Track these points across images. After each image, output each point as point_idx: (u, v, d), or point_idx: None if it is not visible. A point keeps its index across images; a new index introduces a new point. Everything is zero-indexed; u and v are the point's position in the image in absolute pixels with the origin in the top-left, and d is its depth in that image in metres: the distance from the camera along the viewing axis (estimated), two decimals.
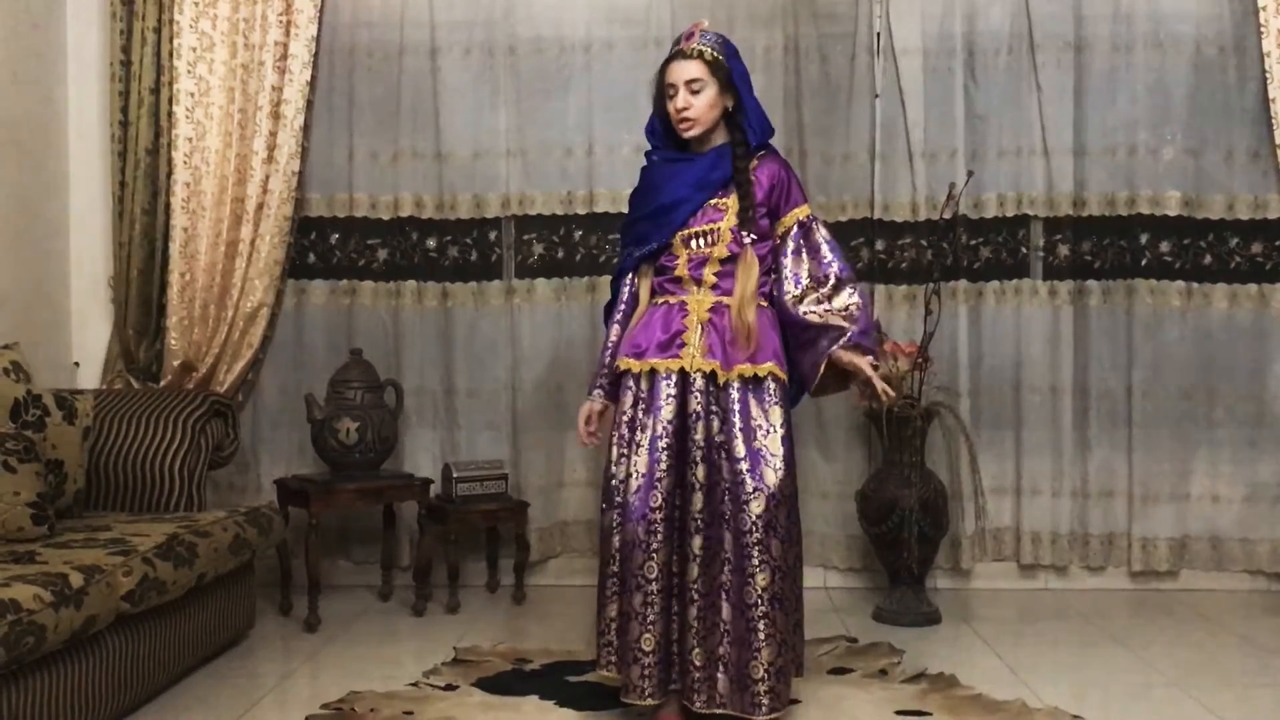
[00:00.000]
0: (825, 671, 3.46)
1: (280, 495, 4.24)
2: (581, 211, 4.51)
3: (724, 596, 2.83)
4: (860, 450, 4.51)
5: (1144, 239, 4.43)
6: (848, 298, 3.04)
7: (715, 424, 2.90)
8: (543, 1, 4.50)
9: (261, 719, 3.14)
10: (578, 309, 4.53)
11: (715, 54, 2.99)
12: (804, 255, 3.06)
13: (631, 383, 3.00)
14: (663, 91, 3.04)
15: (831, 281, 3.04)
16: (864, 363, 2.99)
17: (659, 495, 2.89)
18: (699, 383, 2.93)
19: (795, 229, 3.06)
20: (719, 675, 2.83)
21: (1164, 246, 4.43)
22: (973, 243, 4.48)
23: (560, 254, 4.53)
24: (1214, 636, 3.91)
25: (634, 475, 2.91)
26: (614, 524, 2.93)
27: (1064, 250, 4.46)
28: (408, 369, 4.54)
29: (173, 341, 4.35)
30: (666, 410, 2.93)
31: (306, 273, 4.57)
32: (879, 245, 4.47)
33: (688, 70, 2.98)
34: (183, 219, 4.35)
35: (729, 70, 3.00)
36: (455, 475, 4.29)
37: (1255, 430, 4.44)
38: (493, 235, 4.56)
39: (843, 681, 3.39)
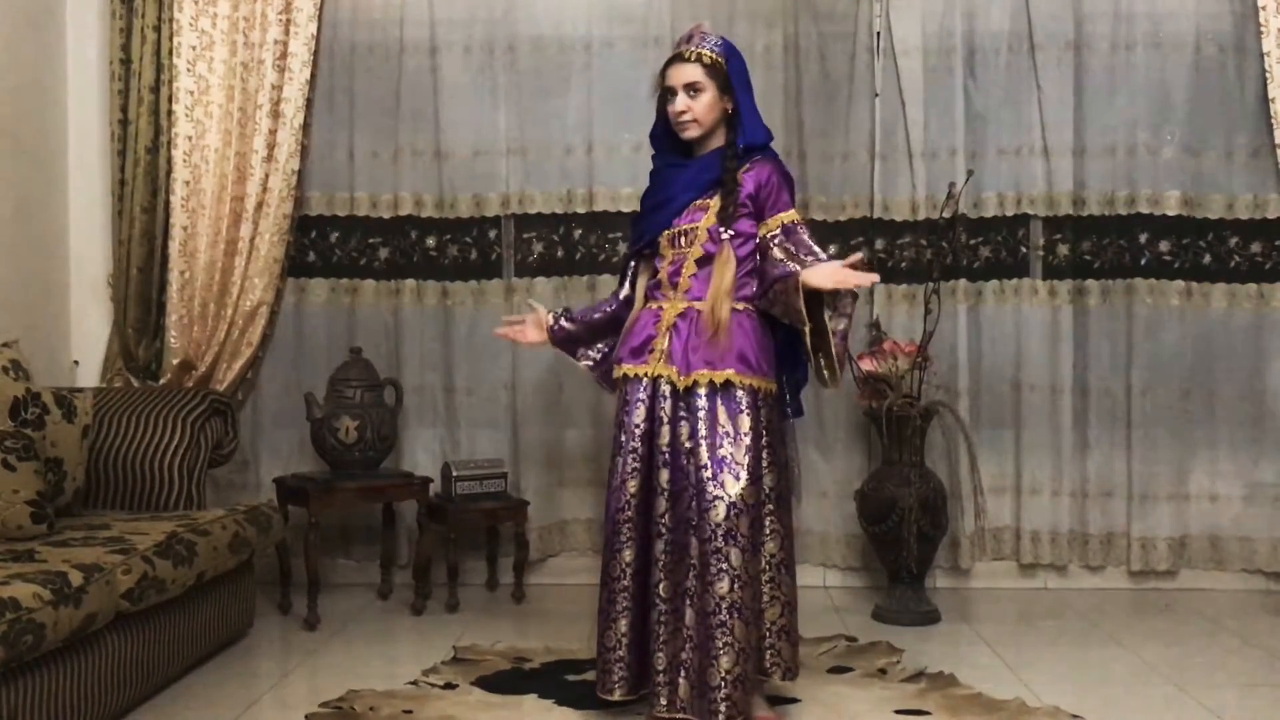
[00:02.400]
0: (824, 670, 3.46)
1: (280, 494, 4.24)
2: (581, 210, 4.51)
3: (688, 602, 2.84)
4: (859, 449, 4.51)
5: (1143, 238, 4.43)
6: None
7: (685, 429, 2.91)
8: (543, 0, 4.51)
9: (261, 717, 3.14)
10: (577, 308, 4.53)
11: (715, 57, 3.00)
12: (786, 250, 2.98)
13: (623, 386, 3.04)
14: (664, 94, 3.06)
15: (810, 260, 2.94)
16: (826, 270, 2.84)
17: (623, 497, 2.95)
18: (664, 388, 2.95)
19: (779, 232, 3.00)
20: (680, 680, 2.84)
21: (1163, 246, 4.43)
22: (972, 242, 4.48)
23: (560, 253, 4.53)
24: (1213, 636, 3.91)
25: (616, 475, 2.98)
26: (606, 521, 3.02)
27: (1063, 250, 4.46)
28: (407, 368, 4.54)
29: (172, 340, 4.35)
30: (636, 414, 2.97)
31: (306, 271, 4.57)
32: (878, 244, 4.47)
33: (687, 73, 2.99)
34: (182, 217, 4.35)
35: (728, 73, 3.00)
36: (455, 474, 4.29)
37: (1254, 429, 4.44)
38: (493, 234, 4.56)
39: (842, 680, 3.39)
